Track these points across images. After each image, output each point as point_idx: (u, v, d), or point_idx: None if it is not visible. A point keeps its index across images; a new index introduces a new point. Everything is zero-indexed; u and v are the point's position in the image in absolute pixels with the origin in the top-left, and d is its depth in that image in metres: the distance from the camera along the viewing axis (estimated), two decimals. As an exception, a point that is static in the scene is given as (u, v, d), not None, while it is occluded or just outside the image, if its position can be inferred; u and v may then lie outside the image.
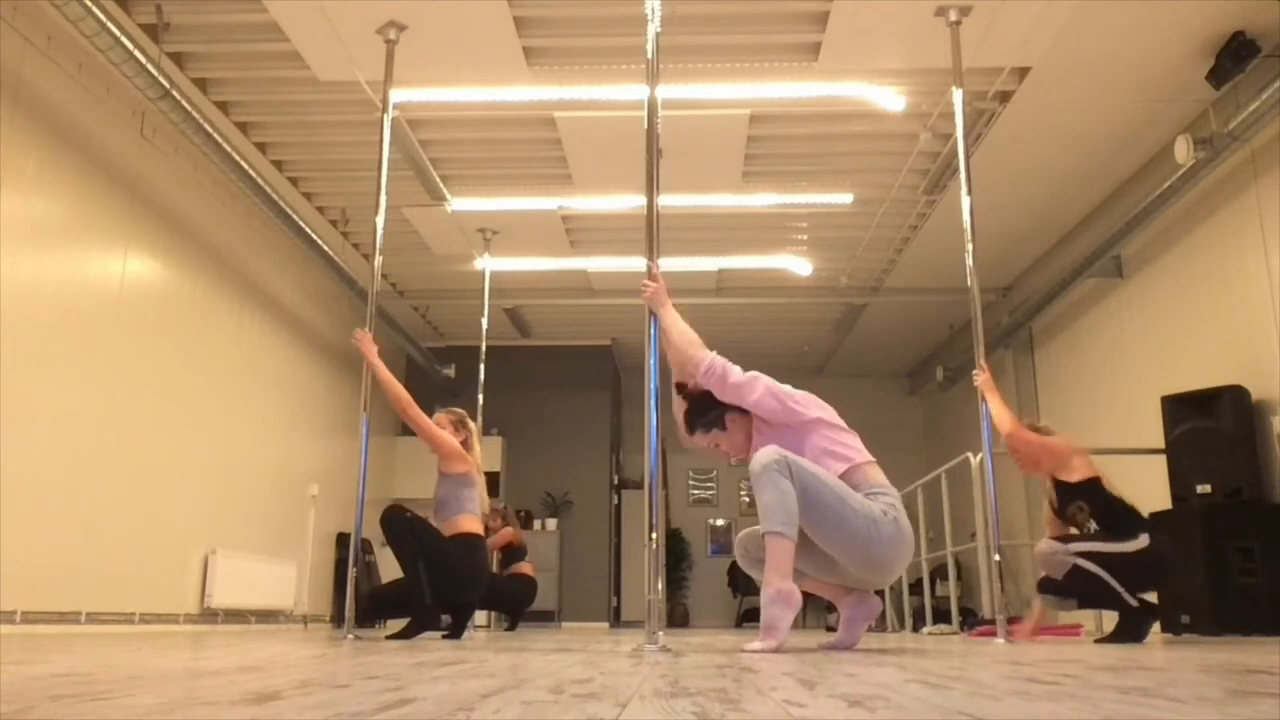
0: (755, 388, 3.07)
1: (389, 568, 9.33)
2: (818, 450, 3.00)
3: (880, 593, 9.19)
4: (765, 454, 2.85)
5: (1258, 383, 5.57)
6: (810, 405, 3.11)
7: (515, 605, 7.33)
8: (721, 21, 5.27)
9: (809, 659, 2.36)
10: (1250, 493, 5.36)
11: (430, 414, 4.55)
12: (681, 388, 3.25)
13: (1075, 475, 4.23)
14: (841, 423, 3.13)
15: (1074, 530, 4.24)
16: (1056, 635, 5.05)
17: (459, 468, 4.47)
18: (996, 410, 4.48)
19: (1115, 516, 4.15)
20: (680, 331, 3.20)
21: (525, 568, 7.37)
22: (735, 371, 3.11)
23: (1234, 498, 5.38)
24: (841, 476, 2.96)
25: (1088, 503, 4.19)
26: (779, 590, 2.76)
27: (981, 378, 4.59)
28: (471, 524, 4.46)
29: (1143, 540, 4.04)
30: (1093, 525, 4.18)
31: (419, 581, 4.23)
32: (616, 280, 9.09)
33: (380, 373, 4.46)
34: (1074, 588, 4.17)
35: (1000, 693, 1.33)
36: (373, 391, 4.63)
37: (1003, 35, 5.26)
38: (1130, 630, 4.10)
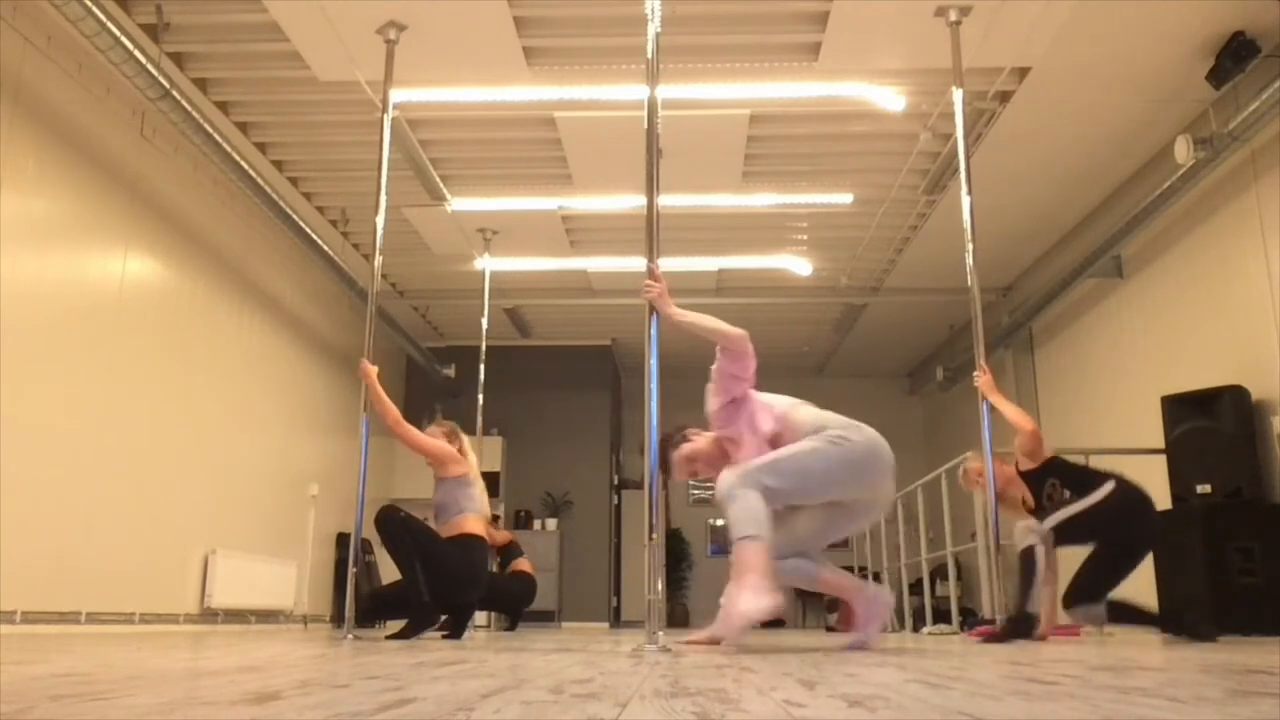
0: (750, 356, 3.21)
1: (389, 568, 9.32)
2: (759, 405, 3.17)
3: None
4: (723, 482, 2.99)
5: (1258, 383, 5.57)
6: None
7: (516, 603, 7.32)
8: (721, 21, 5.27)
9: (809, 659, 2.36)
10: (1250, 493, 5.36)
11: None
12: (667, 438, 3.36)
13: (1038, 460, 4.43)
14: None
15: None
16: (1059, 635, 5.05)
17: (455, 470, 4.50)
18: (1010, 411, 4.53)
19: (1083, 478, 4.37)
20: (698, 316, 3.21)
21: (524, 564, 7.35)
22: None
23: (1234, 498, 5.38)
24: (778, 419, 3.13)
25: (1058, 478, 4.38)
26: (755, 586, 2.78)
27: (982, 380, 4.60)
28: (473, 524, 4.48)
29: (1107, 487, 4.23)
30: (1068, 494, 4.33)
31: (416, 581, 4.24)
32: (616, 280, 9.09)
33: (375, 395, 4.48)
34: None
35: (1000, 693, 1.33)
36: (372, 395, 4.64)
37: (1003, 35, 5.26)
38: (1013, 629, 4.22)
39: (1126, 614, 4.23)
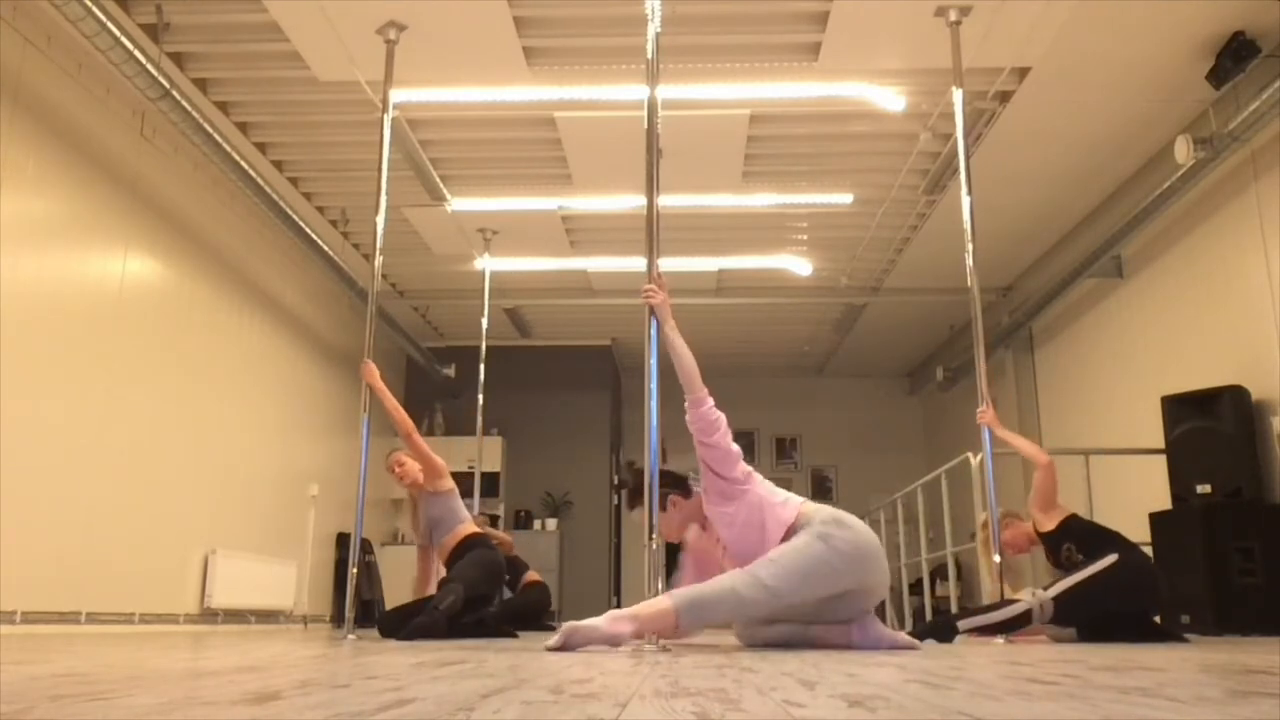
0: (724, 427, 3.17)
1: (389, 568, 9.35)
2: (768, 504, 3.09)
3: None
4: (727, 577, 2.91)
5: (1258, 383, 5.57)
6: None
7: (538, 613, 7.23)
8: (721, 21, 5.27)
9: (809, 659, 2.35)
10: (1250, 493, 5.36)
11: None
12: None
13: (1053, 521, 4.33)
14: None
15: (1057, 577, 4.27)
16: (1021, 638, 5.03)
17: (446, 484, 4.77)
18: (1023, 445, 4.53)
19: (1096, 543, 4.23)
20: (685, 350, 3.21)
21: (533, 575, 7.33)
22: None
23: (1234, 498, 5.38)
24: (793, 524, 3.03)
25: (1074, 541, 4.27)
26: (620, 623, 2.72)
27: (986, 416, 4.58)
28: (471, 528, 4.77)
29: (1109, 559, 4.10)
30: (1081, 558, 4.21)
31: (452, 599, 4.33)
32: (616, 280, 9.09)
33: (386, 401, 4.61)
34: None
35: (1000, 693, 1.33)
36: (372, 395, 4.66)
37: (1003, 35, 5.26)
38: (931, 630, 4.26)
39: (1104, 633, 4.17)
